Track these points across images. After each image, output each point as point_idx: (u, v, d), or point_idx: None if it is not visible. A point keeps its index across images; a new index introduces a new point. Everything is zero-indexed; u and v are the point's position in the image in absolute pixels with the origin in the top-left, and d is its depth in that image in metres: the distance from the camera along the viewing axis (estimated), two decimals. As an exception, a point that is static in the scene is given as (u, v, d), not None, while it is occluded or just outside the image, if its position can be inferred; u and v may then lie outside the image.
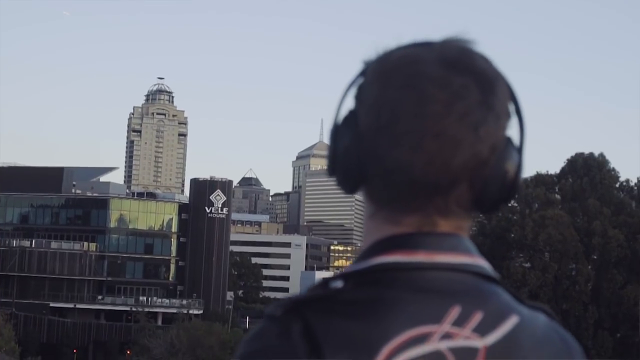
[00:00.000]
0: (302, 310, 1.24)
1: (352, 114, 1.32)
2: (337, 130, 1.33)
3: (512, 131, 1.33)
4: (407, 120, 1.25)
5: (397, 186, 1.28)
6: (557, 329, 1.35)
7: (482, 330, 1.25)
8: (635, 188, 74.92)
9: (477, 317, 1.25)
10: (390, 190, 1.29)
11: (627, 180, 75.86)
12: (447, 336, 1.23)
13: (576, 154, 75.73)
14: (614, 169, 75.09)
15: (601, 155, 75.14)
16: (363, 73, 1.34)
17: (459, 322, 1.24)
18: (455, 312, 1.24)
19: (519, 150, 1.33)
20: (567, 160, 76.07)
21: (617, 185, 75.13)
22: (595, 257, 70.35)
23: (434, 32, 1.34)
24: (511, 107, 1.33)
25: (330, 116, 1.35)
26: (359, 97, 1.33)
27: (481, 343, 1.25)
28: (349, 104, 1.34)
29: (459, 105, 1.25)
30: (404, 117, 1.25)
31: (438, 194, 1.28)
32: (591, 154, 75.07)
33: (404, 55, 1.30)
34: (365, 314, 1.23)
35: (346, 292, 1.26)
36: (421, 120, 1.24)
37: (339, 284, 1.27)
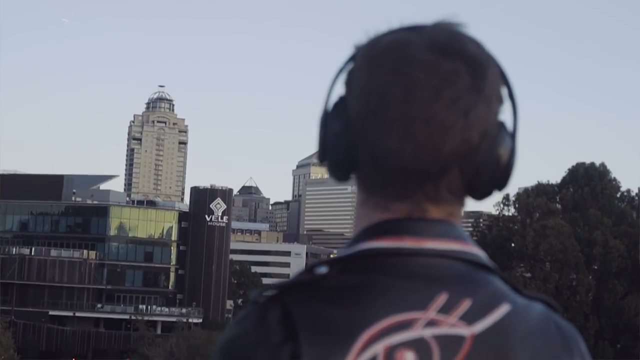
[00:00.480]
0: (283, 296, 1.22)
1: (341, 101, 1.30)
2: (327, 117, 1.31)
3: (505, 116, 1.30)
4: (396, 106, 1.23)
5: (387, 173, 1.26)
6: (555, 320, 1.30)
7: (470, 318, 1.22)
8: (636, 198, 74.85)
9: (464, 305, 1.22)
10: (380, 177, 1.27)
11: (628, 191, 75.85)
12: (432, 323, 1.20)
13: (577, 164, 75.66)
14: (615, 179, 75.07)
15: (602, 165, 75.11)
16: (353, 58, 1.31)
17: (445, 309, 1.21)
18: (441, 299, 1.22)
19: (513, 135, 1.30)
20: (568, 170, 76.00)
21: (618, 195, 75.07)
22: (596, 267, 70.25)
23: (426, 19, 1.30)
24: (504, 92, 1.30)
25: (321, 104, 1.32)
26: (348, 83, 1.30)
27: (468, 331, 1.21)
28: (339, 90, 1.32)
29: (449, 90, 1.22)
30: (393, 103, 1.23)
31: (428, 181, 1.25)
32: (592, 164, 75.02)
33: (393, 40, 1.27)
34: (347, 300, 1.21)
35: (330, 277, 1.24)
36: (410, 106, 1.22)
37: (323, 269, 1.25)
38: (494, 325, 1.23)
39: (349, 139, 1.27)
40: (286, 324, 1.20)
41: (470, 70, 1.24)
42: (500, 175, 1.29)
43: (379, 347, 1.18)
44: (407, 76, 1.23)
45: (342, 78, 1.32)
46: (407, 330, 1.19)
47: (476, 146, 1.25)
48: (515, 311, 1.25)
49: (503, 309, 1.24)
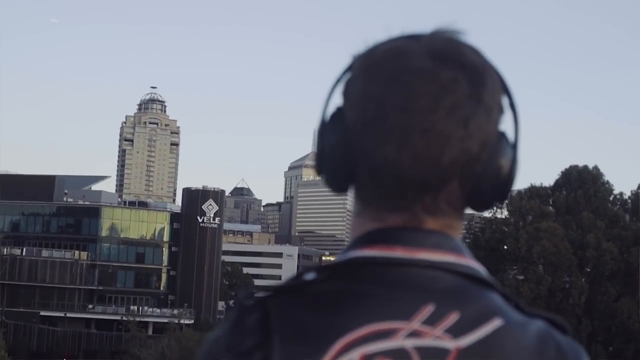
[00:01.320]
0: (267, 300, 1.21)
1: (339, 111, 1.27)
2: (324, 127, 1.28)
3: (507, 126, 1.27)
4: (394, 115, 1.20)
5: (384, 184, 1.22)
6: (556, 338, 1.24)
7: (456, 331, 1.18)
8: (629, 201, 74.86)
9: (452, 318, 1.18)
10: (378, 188, 1.24)
11: (621, 193, 75.87)
12: (414, 334, 1.17)
13: (570, 167, 75.66)
14: (608, 182, 75.06)
15: (595, 168, 75.13)
16: (350, 68, 1.28)
17: (431, 320, 1.17)
18: (427, 310, 1.18)
19: (514, 145, 1.27)
20: (562, 172, 76.00)
21: (611, 198, 75.07)
22: (589, 269, 70.25)
23: (425, 26, 1.28)
24: (504, 101, 1.27)
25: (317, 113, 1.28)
26: (345, 93, 1.27)
27: (453, 344, 1.17)
28: (337, 100, 1.28)
29: (448, 99, 1.19)
30: (390, 112, 1.20)
31: (427, 192, 1.22)
32: (585, 167, 75.04)
33: (390, 49, 1.24)
34: (326, 306, 1.19)
35: (315, 284, 1.22)
36: (408, 115, 1.19)
37: (311, 275, 1.23)
38: (482, 339, 1.19)
39: (347, 149, 1.24)
40: (262, 328, 1.18)
41: (469, 78, 1.21)
42: (500, 186, 1.26)
43: (355, 355, 1.15)
44: (405, 85, 1.20)
45: (340, 88, 1.29)
46: (387, 339, 1.16)
47: (476, 156, 1.22)
48: (508, 327, 1.20)
49: (494, 324, 1.20)
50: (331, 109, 1.28)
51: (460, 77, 1.21)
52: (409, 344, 1.16)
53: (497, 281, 1.25)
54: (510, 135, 1.27)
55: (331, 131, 1.26)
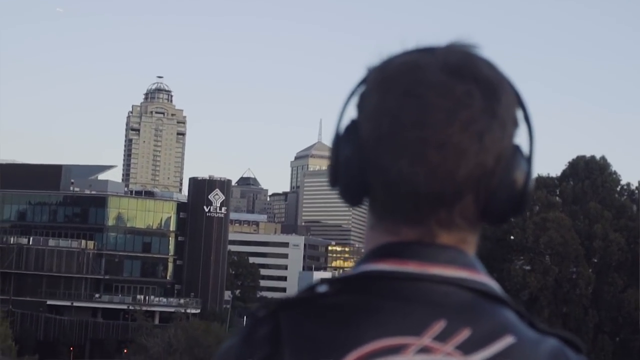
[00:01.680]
0: (279, 312, 1.22)
1: (353, 124, 1.28)
2: (339, 140, 1.28)
3: (521, 139, 1.28)
4: (409, 129, 1.20)
5: (399, 198, 1.23)
6: (568, 357, 1.25)
7: (467, 348, 1.18)
8: (637, 192, 74.61)
9: (463, 334, 1.19)
10: (392, 201, 1.24)
11: (628, 184, 75.55)
12: (425, 350, 1.17)
13: (577, 157, 75.40)
14: (615, 172, 74.78)
15: (602, 158, 74.83)
16: (365, 80, 1.29)
17: (442, 337, 1.18)
18: (438, 326, 1.19)
19: (528, 159, 1.27)
20: (569, 163, 75.70)
21: (618, 189, 74.81)
22: (596, 260, 70.06)
23: (435, 35, 1.28)
24: (519, 114, 1.27)
25: (331, 122, 1.29)
26: (360, 106, 1.28)
27: None
28: (351, 112, 1.29)
29: (463, 113, 1.20)
30: (405, 126, 1.20)
31: (442, 206, 1.23)
32: (593, 157, 74.76)
33: (405, 62, 1.25)
34: (338, 319, 1.19)
35: (327, 296, 1.23)
36: (423, 130, 1.20)
37: (323, 288, 1.24)
38: (493, 357, 1.19)
39: (361, 162, 1.25)
40: (273, 340, 1.19)
41: (484, 92, 1.22)
42: (515, 200, 1.26)
43: None
44: (420, 98, 1.21)
45: (354, 100, 1.29)
46: (398, 354, 1.17)
47: (491, 170, 1.22)
48: (520, 344, 1.21)
49: (506, 341, 1.20)
50: (345, 121, 1.29)
51: (475, 92, 1.21)
52: (419, 359, 1.17)
53: (511, 299, 1.25)
54: (524, 148, 1.27)
55: (346, 144, 1.27)
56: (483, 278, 1.25)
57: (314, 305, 1.22)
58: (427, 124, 1.20)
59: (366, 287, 1.23)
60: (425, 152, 1.20)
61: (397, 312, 1.19)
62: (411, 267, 1.22)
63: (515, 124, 1.26)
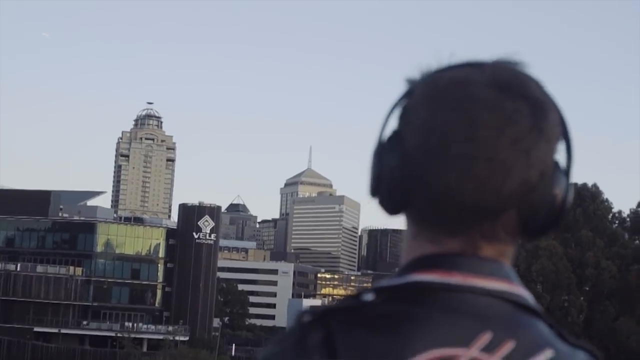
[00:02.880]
0: (328, 319, 1.22)
1: (397, 135, 1.30)
2: (382, 150, 1.31)
3: (559, 155, 1.31)
4: (458, 144, 1.23)
5: (444, 210, 1.26)
6: None
7: (512, 359, 1.21)
8: (628, 219, 74.53)
9: (508, 346, 1.21)
10: (437, 214, 1.27)
11: (620, 212, 75.53)
12: None
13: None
14: (607, 200, 74.70)
15: (594, 185, 74.77)
16: (409, 93, 1.31)
17: (489, 348, 1.21)
18: (486, 337, 1.21)
19: (566, 174, 1.30)
20: (560, 190, 75.72)
21: (610, 217, 74.72)
22: (587, 288, 69.84)
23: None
24: (561, 134, 1.30)
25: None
26: (404, 118, 1.30)
27: None
28: (393, 123, 1.31)
29: (511, 130, 1.23)
30: (454, 141, 1.23)
31: (486, 220, 1.26)
32: (585, 185, 74.63)
33: (454, 77, 1.28)
34: (389, 329, 1.21)
35: (375, 305, 1.24)
36: (472, 145, 1.22)
37: (370, 296, 1.25)
38: None
39: (405, 174, 1.27)
40: (327, 347, 1.19)
41: (532, 110, 1.25)
42: (555, 215, 1.29)
43: None
44: (470, 114, 1.23)
45: (397, 112, 1.31)
46: None
47: (534, 186, 1.25)
48: (559, 358, 1.24)
49: (546, 354, 1.23)
50: (388, 131, 1.31)
51: (523, 109, 1.24)
52: None
53: (543, 310, 1.29)
54: (562, 164, 1.31)
55: (389, 155, 1.29)
56: (520, 290, 1.28)
57: (363, 313, 1.23)
58: (476, 139, 1.22)
59: (414, 297, 1.24)
60: (474, 167, 1.22)
61: (445, 323, 1.21)
62: (456, 278, 1.25)
63: (557, 141, 1.29)
